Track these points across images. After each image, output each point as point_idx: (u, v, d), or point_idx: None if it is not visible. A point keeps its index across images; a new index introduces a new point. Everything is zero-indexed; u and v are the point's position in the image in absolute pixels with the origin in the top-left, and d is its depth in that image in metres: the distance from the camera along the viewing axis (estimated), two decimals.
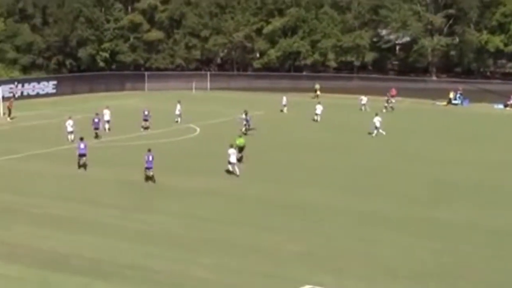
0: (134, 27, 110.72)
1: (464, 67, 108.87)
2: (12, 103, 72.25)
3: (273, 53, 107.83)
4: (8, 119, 69.85)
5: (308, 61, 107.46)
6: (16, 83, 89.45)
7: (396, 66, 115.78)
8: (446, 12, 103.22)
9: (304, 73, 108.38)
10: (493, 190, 41.13)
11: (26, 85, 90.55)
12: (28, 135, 60.48)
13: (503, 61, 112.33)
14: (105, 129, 61.18)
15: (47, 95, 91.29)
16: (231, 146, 44.76)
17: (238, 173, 44.00)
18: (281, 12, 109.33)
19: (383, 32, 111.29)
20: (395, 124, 68.65)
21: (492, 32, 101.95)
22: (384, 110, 77.05)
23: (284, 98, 77.50)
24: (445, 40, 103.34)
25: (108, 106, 64.99)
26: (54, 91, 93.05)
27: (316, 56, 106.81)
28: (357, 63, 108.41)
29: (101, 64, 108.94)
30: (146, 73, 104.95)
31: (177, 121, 66.54)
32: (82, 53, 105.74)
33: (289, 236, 31.64)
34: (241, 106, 76.38)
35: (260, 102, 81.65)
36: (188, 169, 46.13)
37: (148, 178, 42.32)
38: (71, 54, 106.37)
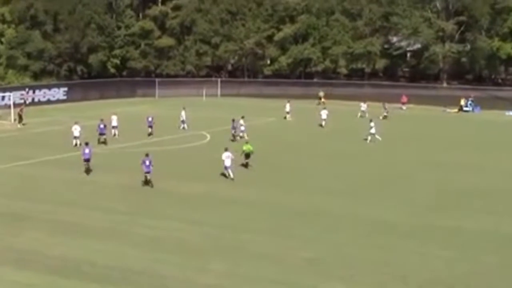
0: (145, 34, 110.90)
1: (475, 74, 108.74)
2: (23, 110, 72.44)
3: (284, 60, 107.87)
4: (19, 125, 69.99)
5: (319, 68, 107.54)
6: (27, 89, 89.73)
7: (407, 73, 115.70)
8: (457, 19, 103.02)
9: (315, 80, 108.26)
10: (505, 197, 40.88)
11: (37, 91, 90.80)
12: (38, 142, 60.54)
13: None
14: (114, 135, 61.82)
15: (58, 101, 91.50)
16: (226, 150, 45.42)
17: (232, 176, 44.52)
18: (292, 19, 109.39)
19: (394, 39, 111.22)
20: (405, 131, 68.61)
21: (503, 39, 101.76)
22: (380, 117, 76.98)
23: (288, 105, 77.37)
24: (456, 47, 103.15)
25: (115, 112, 65.16)
26: (65, 97, 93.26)
27: (327, 63, 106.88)
28: (368, 70, 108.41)
29: (112, 70, 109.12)
30: (156, 79, 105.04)
31: (183, 128, 66.61)
32: (93, 59, 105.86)
33: (300, 242, 31.51)
34: (251, 112, 76.56)
35: (270, 109, 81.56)
36: (198, 175, 46.06)
37: (147, 182, 42.64)
38: (82, 60, 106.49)
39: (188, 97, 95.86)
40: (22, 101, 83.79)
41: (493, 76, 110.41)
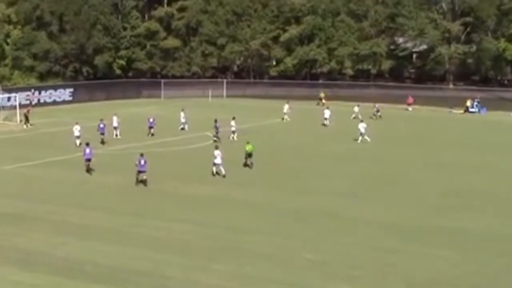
0: (151, 35, 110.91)
1: (481, 75, 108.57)
2: (30, 111, 72.53)
3: (289, 61, 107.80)
4: (24, 126, 70.12)
5: (325, 69, 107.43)
6: (33, 90, 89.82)
7: (413, 74, 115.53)
8: (464, 20, 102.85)
9: (321, 81, 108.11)
10: (511, 199, 40.78)
11: (43, 92, 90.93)
12: (43, 142, 60.65)
13: None
14: (116, 135, 62.33)
15: (63, 102, 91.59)
16: (216, 148, 46.17)
17: (223, 173, 45.26)
18: (297, 20, 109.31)
19: (400, 40, 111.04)
20: (411, 132, 68.47)
21: (509, 40, 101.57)
22: (373, 117, 77.54)
23: (286, 106, 77.34)
24: (462, 48, 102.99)
25: (116, 113, 65.48)
26: (70, 98, 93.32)
27: (333, 64, 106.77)
28: (373, 71, 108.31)
29: (118, 71, 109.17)
30: (162, 80, 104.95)
31: (183, 129, 66.69)
32: (98, 60, 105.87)
33: (304, 243, 31.49)
34: (257, 113, 76.72)
35: (276, 110, 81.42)
36: (202, 176, 46.03)
37: (141, 181, 43.08)
38: (88, 61, 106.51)
39: (193, 98, 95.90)
40: (28, 102, 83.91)
41: (499, 77, 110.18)
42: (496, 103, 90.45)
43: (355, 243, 31.71)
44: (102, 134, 59.43)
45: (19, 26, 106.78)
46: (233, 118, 62.59)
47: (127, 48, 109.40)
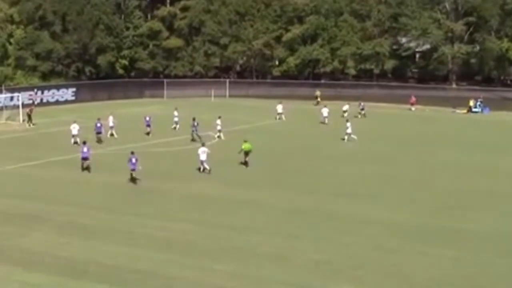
0: (154, 35, 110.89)
1: (484, 75, 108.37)
2: (33, 110, 72.59)
3: (292, 61, 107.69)
4: (27, 125, 70.22)
5: (328, 69, 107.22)
6: (35, 90, 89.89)
7: (416, 74, 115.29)
8: (467, 20, 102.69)
9: (323, 80, 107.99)
10: None
11: (45, 92, 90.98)
12: (46, 142, 60.67)
13: None
14: (112, 135, 62.75)
15: (66, 102, 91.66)
16: (203, 145, 47.00)
17: (208, 168, 46.09)
18: (300, 20, 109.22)
19: (403, 39, 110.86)
20: (414, 132, 68.35)
21: None
22: (359, 116, 77.93)
23: (280, 106, 77.40)
24: (466, 48, 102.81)
25: (112, 112, 66.14)
26: (73, 98, 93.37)
27: (336, 63, 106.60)
28: (376, 71, 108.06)
29: (120, 71, 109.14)
30: (165, 80, 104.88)
31: (174, 128, 66.64)
32: (101, 60, 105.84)
33: (308, 244, 31.44)
34: (260, 113, 76.58)
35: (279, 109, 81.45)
36: (205, 176, 46.00)
37: (132, 179, 43.57)
38: (91, 61, 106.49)
39: (196, 98, 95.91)
40: (30, 101, 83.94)
41: (502, 77, 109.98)
42: (499, 103, 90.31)
43: (357, 243, 31.63)
44: (99, 133, 60.01)
45: (22, 26, 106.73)
46: (219, 117, 62.68)
47: (129, 48, 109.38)
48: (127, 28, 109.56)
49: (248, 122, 72.80)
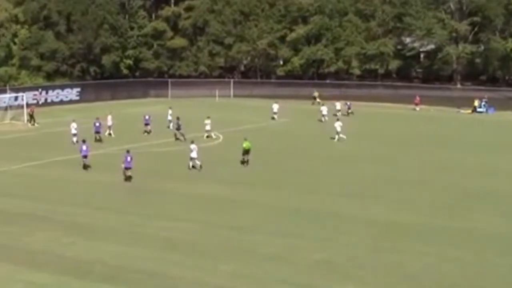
0: (158, 35, 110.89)
1: (489, 75, 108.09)
2: (34, 109, 72.83)
3: (296, 61, 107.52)
4: (29, 125, 70.41)
5: (332, 69, 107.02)
6: (40, 90, 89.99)
7: (420, 74, 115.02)
8: (471, 19, 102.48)
9: (328, 80, 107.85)
10: None
11: (50, 92, 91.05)
12: (50, 142, 60.77)
13: None
14: (110, 134, 63.54)
15: (70, 102, 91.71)
16: (192, 142, 48.01)
17: (198, 164, 47.48)
18: (305, 20, 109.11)
19: (407, 39, 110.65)
20: (418, 132, 68.26)
21: None
22: (345, 114, 78.21)
23: (276, 106, 77.57)
24: (470, 47, 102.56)
25: (111, 111, 66.54)
26: (77, 98, 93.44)
27: (340, 63, 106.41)
28: (381, 71, 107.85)
29: (125, 71, 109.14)
30: (169, 80, 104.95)
31: (168, 127, 66.75)
32: (106, 60, 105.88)
33: (311, 244, 31.45)
34: (264, 113, 76.45)
35: (283, 109, 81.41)
36: (208, 176, 46.05)
37: (127, 178, 44.03)
38: (95, 61, 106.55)
39: (200, 98, 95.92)
40: (35, 101, 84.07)
41: (507, 77, 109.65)
42: (504, 103, 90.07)
43: (359, 242, 31.65)
44: (98, 132, 60.59)
45: (27, 26, 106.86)
46: (208, 118, 62.85)
47: (134, 47, 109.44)
48: (132, 28, 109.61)
49: (253, 122, 72.80)
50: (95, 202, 39.12)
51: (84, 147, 48.04)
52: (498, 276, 27.62)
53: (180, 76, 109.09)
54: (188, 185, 43.53)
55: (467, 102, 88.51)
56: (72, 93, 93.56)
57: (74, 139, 58.23)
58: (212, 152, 55.66)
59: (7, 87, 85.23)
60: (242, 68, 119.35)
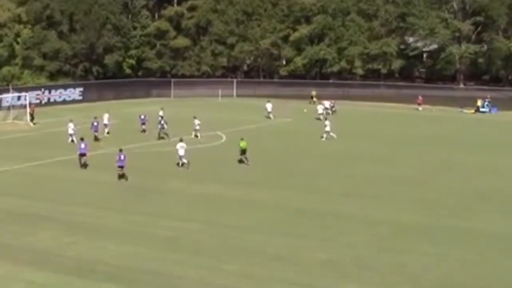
0: (161, 34, 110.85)
1: (492, 75, 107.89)
2: (34, 109, 73.03)
3: (299, 61, 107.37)
4: (31, 124, 70.54)
5: (335, 69, 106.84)
6: (43, 89, 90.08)
7: (423, 74, 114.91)
8: (474, 19, 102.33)
9: (331, 80, 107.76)
10: None
11: (53, 91, 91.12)
12: (52, 142, 60.76)
13: None
14: (108, 133, 64.20)
15: (73, 101, 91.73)
16: (181, 140, 48.48)
17: (186, 161, 48.31)
18: (307, 20, 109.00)
19: (410, 39, 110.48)
20: (421, 132, 68.12)
21: None
22: (330, 113, 78.75)
23: (269, 105, 77.67)
24: (473, 47, 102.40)
25: (108, 110, 67.33)
26: (80, 97, 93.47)
27: (343, 63, 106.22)
28: (384, 71, 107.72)
29: (128, 71, 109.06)
30: (172, 80, 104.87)
31: (161, 127, 66.77)
32: (108, 60, 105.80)
33: (315, 244, 31.39)
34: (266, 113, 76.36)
35: (286, 109, 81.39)
36: (213, 176, 46.06)
37: (120, 176, 44.36)
38: (98, 61, 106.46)
39: (203, 98, 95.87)
40: (38, 101, 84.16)
41: (510, 77, 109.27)
42: (507, 103, 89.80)
43: (363, 243, 31.58)
44: (96, 131, 61.15)
45: (29, 26, 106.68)
46: (194, 118, 63.09)
47: (137, 47, 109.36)
48: (134, 28, 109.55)
49: (255, 122, 72.76)
50: (97, 202, 39.10)
51: (82, 145, 48.43)
52: (502, 276, 27.53)
53: (183, 76, 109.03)
54: (190, 184, 43.49)
55: (470, 102, 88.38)
56: (75, 93, 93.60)
57: (70, 138, 59.01)
58: (215, 152, 55.71)
59: (10, 87, 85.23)
60: (245, 68, 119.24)
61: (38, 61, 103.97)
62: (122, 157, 44.35)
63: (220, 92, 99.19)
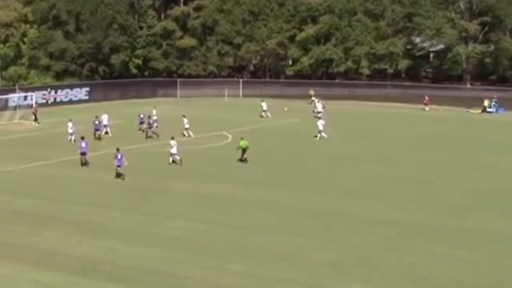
0: (167, 34, 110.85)
1: (499, 75, 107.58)
2: (37, 109, 73.25)
3: (306, 61, 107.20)
4: (34, 123, 70.69)
5: (341, 69, 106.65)
6: (49, 89, 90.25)
7: (430, 74, 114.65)
8: (481, 19, 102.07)
9: (337, 80, 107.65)
10: None
11: (59, 91, 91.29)
12: (58, 142, 60.73)
13: None
14: (107, 133, 64.35)
15: (80, 101, 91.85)
16: (172, 139, 49.23)
17: (178, 159, 49.12)
18: (314, 20, 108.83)
19: (417, 39, 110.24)
20: (428, 132, 67.98)
21: None
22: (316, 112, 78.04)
23: (264, 104, 77.88)
24: (480, 47, 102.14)
25: (107, 111, 67.46)
26: (86, 97, 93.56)
27: (349, 63, 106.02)
28: (390, 71, 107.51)
29: (134, 71, 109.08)
30: (178, 80, 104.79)
31: (156, 127, 66.65)
32: (115, 59, 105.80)
33: (319, 244, 31.38)
34: (273, 113, 76.23)
35: (293, 109, 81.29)
36: (218, 176, 46.08)
37: (118, 175, 44.74)
38: (104, 60, 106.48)
39: (210, 98, 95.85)
40: (44, 101, 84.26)
41: None
42: None
43: (368, 243, 31.54)
44: (97, 130, 61.90)
45: (36, 26, 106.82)
46: (183, 116, 63.21)
47: (143, 47, 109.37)
48: (141, 28, 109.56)
49: (262, 121, 72.71)
50: (102, 202, 39.15)
51: (83, 144, 48.73)
52: (509, 276, 27.42)
53: (189, 76, 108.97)
54: (194, 184, 43.51)
55: (477, 102, 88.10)
56: (81, 93, 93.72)
57: (71, 137, 59.45)
58: (220, 152, 55.66)
59: (17, 87, 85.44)
60: (251, 67, 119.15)
61: (44, 61, 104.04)
62: (119, 156, 44.70)
63: (226, 92, 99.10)
